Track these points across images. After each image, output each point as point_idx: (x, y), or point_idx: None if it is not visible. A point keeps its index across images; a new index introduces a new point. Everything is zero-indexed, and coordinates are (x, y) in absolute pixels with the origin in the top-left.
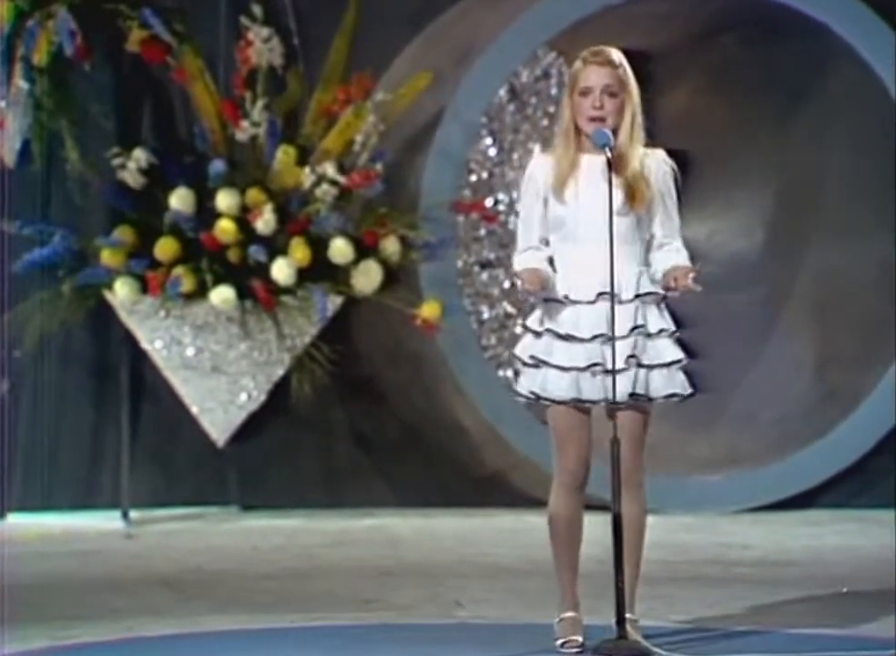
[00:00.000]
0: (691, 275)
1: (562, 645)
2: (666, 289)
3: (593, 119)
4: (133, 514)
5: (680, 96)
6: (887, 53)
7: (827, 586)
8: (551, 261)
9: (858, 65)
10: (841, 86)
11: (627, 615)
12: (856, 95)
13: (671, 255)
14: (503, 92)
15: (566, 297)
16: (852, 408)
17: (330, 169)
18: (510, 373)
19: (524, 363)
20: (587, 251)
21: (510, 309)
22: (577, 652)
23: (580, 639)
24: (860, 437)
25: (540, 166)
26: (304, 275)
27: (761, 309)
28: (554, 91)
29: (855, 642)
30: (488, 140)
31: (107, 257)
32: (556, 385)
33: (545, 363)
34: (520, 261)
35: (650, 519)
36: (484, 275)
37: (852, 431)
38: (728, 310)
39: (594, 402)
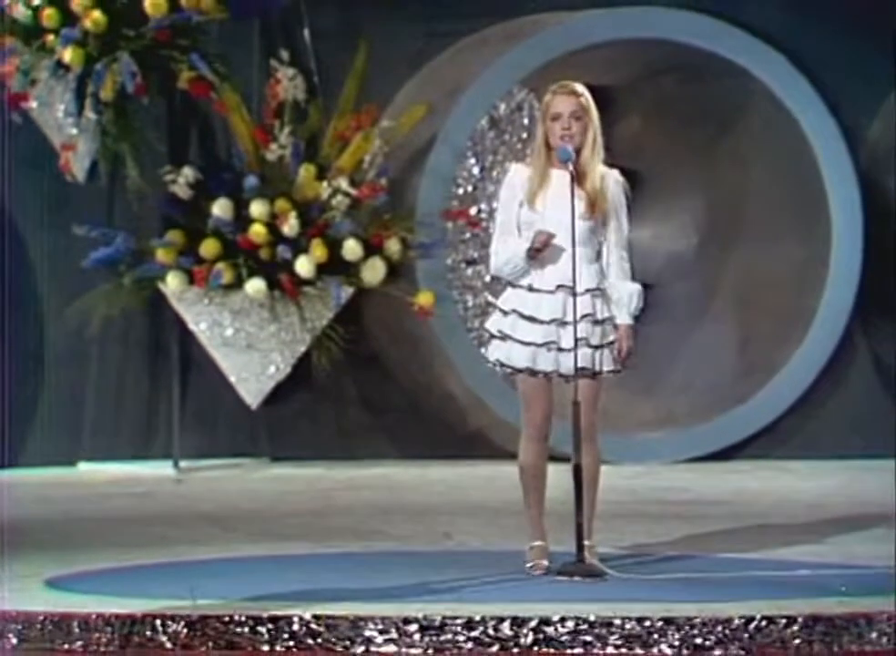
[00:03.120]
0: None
1: (531, 568)
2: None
3: (562, 139)
4: (182, 463)
5: (629, 125)
6: (796, 91)
7: (748, 520)
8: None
9: (772, 101)
10: (759, 118)
11: (586, 542)
12: (771, 125)
13: (617, 289)
14: (484, 121)
15: (531, 286)
16: (768, 379)
17: (343, 183)
18: None
19: (492, 336)
20: (551, 250)
21: (490, 298)
22: (544, 573)
23: (546, 562)
24: (775, 402)
25: (518, 174)
26: (322, 270)
27: (695, 298)
28: (526, 121)
29: (770, 564)
30: (472, 160)
31: (161, 255)
32: (518, 356)
33: (510, 337)
34: (504, 242)
35: (605, 469)
36: (469, 270)
37: (768, 397)
38: (667, 298)
39: (546, 373)
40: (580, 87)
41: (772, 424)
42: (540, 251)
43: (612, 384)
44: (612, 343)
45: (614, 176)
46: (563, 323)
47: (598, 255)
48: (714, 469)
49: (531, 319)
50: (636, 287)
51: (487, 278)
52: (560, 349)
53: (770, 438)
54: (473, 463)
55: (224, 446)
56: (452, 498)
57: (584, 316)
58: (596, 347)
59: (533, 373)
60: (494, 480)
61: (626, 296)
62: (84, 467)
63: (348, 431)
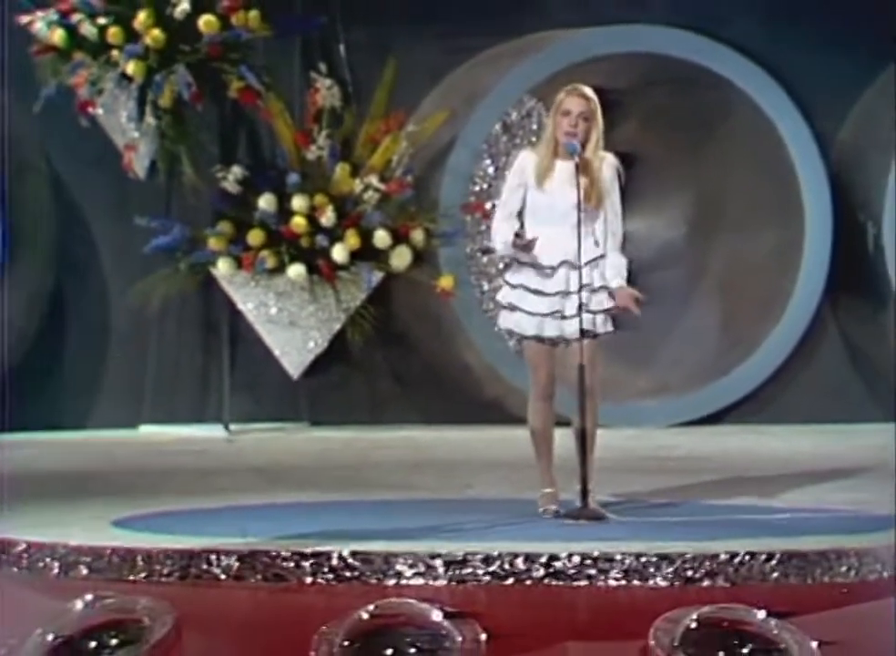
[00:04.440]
0: (631, 299)
1: (542, 512)
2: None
3: (569, 135)
4: (232, 427)
5: (626, 129)
6: (773, 99)
7: (732, 473)
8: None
9: (752, 108)
10: (741, 123)
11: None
12: (751, 130)
13: (611, 259)
14: (498, 126)
15: (537, 262)
16: (749, 354)
17: (374, 180)
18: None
19: (503, 307)
20: (554, 230)
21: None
22: (553, 517)
23: (555, 507)
24: (755, 374)
25: (526, 160)
26: (355, 256)
27: (685, 281)
28: (535, 126)
29: (752, 509)
30: (487, 161)
31: (213, 243)
32: (527, 324)
33: (518, 308)
34: (504, 229)
35: (607, 432)
36: (485, 258)
37: (749, 370)
38: (660, 282)
39: (552, 338)
40: (590, 92)
41: (752, 393)
42: (527, 248)
43: (613, 358)
44: (608, 309)
45: (608, 160)
46: (566, 294)
47: (595, 232)
48: (702, 432)
49: (537, 292)
50: (624, 260)
51: (500, 265)
52: (563, 317)
53: (751, 405)
54: (489, 427)
55: (269, 412)
56: (471, 456)
57: (583, 286)
58: (595, 312)
59: (540, 339)
60: (508, 441)
61: (618, 266)
62: (145, 430)
63: (378, 399)
